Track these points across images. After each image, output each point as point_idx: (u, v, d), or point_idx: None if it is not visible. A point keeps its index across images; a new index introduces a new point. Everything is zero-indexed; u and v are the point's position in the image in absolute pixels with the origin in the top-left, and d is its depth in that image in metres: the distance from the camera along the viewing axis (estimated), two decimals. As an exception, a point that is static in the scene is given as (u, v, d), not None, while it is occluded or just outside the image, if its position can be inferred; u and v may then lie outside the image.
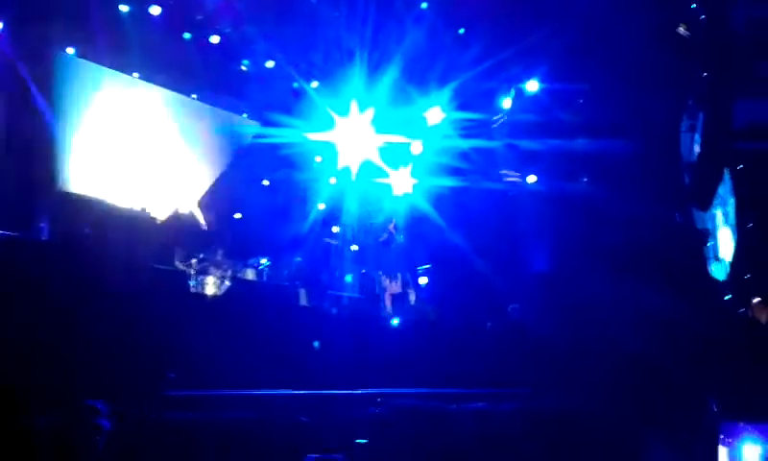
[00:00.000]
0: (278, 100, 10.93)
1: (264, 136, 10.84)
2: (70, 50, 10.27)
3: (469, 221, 10.71)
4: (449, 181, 11.33)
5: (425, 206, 11.22)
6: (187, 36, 10.93)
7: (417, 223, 11.25)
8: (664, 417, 6.69)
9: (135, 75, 11.10)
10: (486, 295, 10.60)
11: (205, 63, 11.01)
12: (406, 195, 11.48)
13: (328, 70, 10.82)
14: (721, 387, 6.58)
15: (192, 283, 9.30)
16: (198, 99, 11.63)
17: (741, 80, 10.69)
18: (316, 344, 7.49)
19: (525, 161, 11.18)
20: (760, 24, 10.88)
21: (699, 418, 6.32)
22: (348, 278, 11.01)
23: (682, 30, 10.24)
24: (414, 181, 11.56)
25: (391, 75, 10.72)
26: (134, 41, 10.47)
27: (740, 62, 10.71)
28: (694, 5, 10.45)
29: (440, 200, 11.24)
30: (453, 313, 10.29)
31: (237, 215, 11.01)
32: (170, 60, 10.94)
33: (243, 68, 11.57)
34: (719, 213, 10.11)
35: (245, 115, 11.74)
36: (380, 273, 10.67)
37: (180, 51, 10.90)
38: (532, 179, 11.13)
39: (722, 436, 4.24)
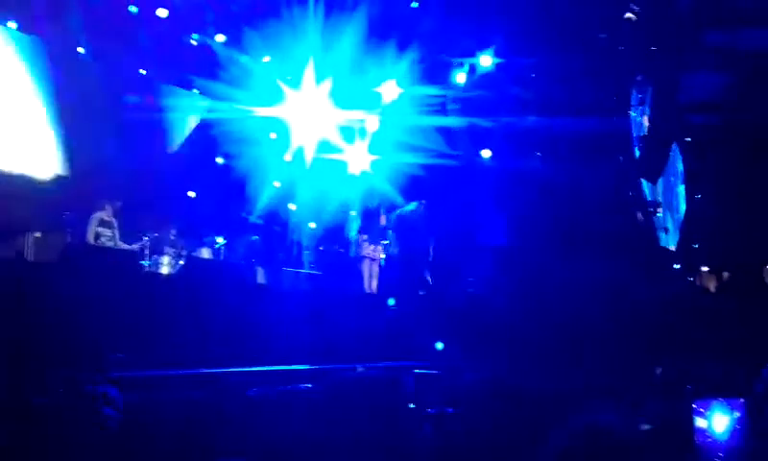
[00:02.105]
0: (230, 75, 10.71)
1: (217, 112, 10.63)
2: (11, 24, 9.92)
3: (426, 197, 10.73)
4: (406, 158, 11.32)
5: (383, 183, 11.19)
6: (133, 9, 10.61)
7: (375, 199, 11.21)
8: (617, 385, 6.87)
9: (80, 50, 10.77)
10: (443, 269, 10.69)
11: (153, 38, 10.70)
12: (364, 172, 11.41)
13: (281, 43, 10.64)
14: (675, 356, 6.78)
15: (146, 263, 9.12)
16: (146, 75, 11.32)
17: (688, 53, 10.93)
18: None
19: (480, 137, 11.24)
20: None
21: (656, 386, 6.50)
22: (306, 254, 10.95)
23: (630, 16, 10.41)
24: (372, 157, 11.49)
25: (344, 48, 10.62)
26: (78, 16, 10.15)
27: (687, 36, 10.94)
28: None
29: (396, 176, 11.23)
30: (411, 287, 10.36)
31: (191, 193, 10.80)
32: (116, 34, 10.62)
33: (193, 43, 11.29)
34: (669, 185, 10.37)
35: (196, 91, 11.48)
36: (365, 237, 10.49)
37: (127, 25, 10.58)
38: (486, 154, 11.21)
39: (694, 406, 4.37)
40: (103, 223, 9.07)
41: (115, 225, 9.18)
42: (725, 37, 11.15)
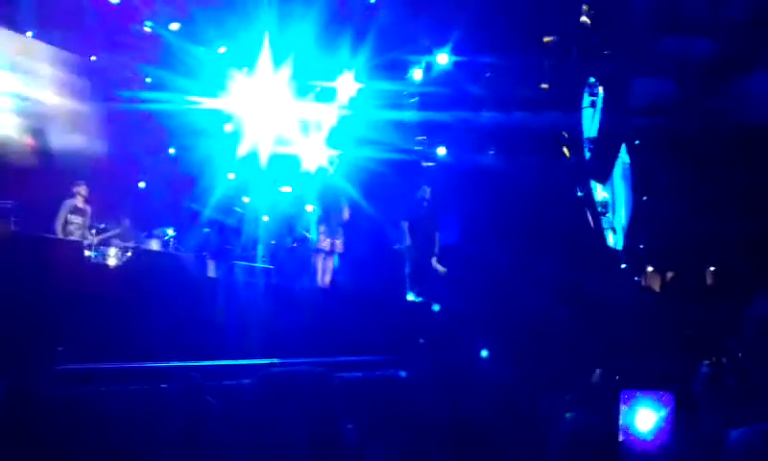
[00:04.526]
0: (184, 65, 10.56)
1: (170, 102, 10.45)
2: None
3: (380, 192, 10.76)
4: (363, 153, 11.31)
5: (339, 177, 11.16)
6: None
7: (330, 192, 11.18)
8: (565, 380, 7.00)
9: (29, 34, 10.52)
10: (397, 266, 10.73)
11: (104, 25, 10.50)
12: (321, 168, 11.34)
13: (237, 35, 10.53)
14: (619, 353, 6.95)
15: (93, 254, 8.94)
16: (97, 62, 11.10)
17: (641, 57, 11.17)
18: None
19: (436, 134, 11.31)
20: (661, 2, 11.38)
21: (597, 381, 6.65)
22: (259, 248, 10.85)
23: (584, 13, 10.60)
24: (329, 151, 11.44)
25: (301, 41, 10.56)
26: (30, 4, 9.96)
27: (640, 41, 11.18)
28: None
29: (352, 171, 11.21)
30: (363, 283, 10.37)
31: (141, 184, 10.62)
32: (67, 20, 10.40)
33: (147, 30, 11.09)
34: (617, 186, 10.59)
35: (148, 80, 11.28)
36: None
37: (77, 11, 10.36)
38: (441, 151, 11.28)
39: (620, 401, 4.32)
40: (76, 210, 8.89)
41: (88, 213, 8.99)
42: (676, 44, 11.42)
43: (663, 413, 4.03)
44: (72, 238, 8.46)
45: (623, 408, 4.06)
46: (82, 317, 6.54)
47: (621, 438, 3.98)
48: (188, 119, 10.35)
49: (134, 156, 10.71)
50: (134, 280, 8.18)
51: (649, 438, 4.00)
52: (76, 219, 8.76)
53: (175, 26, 10.83)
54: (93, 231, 9.06)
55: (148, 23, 10.98)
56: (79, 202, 8.88)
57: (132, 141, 10.68)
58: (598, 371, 6.21)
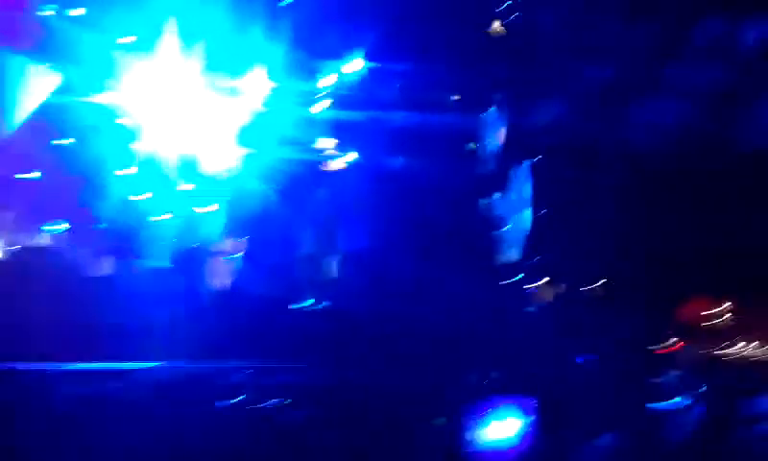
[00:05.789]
0: (83, 53, 10.18)
1: (66, 92, 10.05)
2: None
3: (286, 193, 10.71)
4: (272, 153, 11.23)
5: (245, 177, 11.03)
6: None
7: (235, 192, 11.03)
8: (445, 392, 7.15)
9: None
10: (301, 269, 10.70)
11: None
12: (227, 166, 11.17)
13: (144, 23, 10.24)
14: (495, 361, 7.15)
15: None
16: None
17: (550, 74, 11.52)
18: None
19: (346, 136, 11.34)
20: (571, 25, 11.76)
21: (472, 392, 6.82)
22: (159, 248, 10.57)
23: (496, 27, 10.85)
24: (237, 150, 11.29)
25: (213, 33, 10.39)
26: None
27: (551, 57, 11.52)
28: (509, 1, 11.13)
29: (260, 170, 11.12)
30: (265, 286, 10.30)
31: (31, 174, 10.17)
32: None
33: (50, 13, 10.60)
34: (518, 200, 10.89)
35: (47, 65, 10.79)
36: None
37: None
38: (350, 155, 11.34)
39: (484, 410, 4.43)
40: None
41: None
42: (585, 65, 11.83)
43: (527, 419, 4.20)
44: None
45: (487, 414, 4.21)
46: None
47: (484, 444, 4.10)
48: (86, 111, 10.00)
49: (24, 147, 10.25)
50: (18, 278, 7.89)
51: (512, 444, 4.15)
52: None
53: (75, 12, 10.41)
54: None
55: (49, 6, 10.50)
56: None
57: (21, 132, 10.23)
58: (472, 377, 6.39)
